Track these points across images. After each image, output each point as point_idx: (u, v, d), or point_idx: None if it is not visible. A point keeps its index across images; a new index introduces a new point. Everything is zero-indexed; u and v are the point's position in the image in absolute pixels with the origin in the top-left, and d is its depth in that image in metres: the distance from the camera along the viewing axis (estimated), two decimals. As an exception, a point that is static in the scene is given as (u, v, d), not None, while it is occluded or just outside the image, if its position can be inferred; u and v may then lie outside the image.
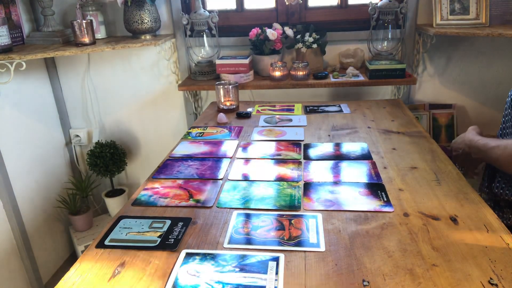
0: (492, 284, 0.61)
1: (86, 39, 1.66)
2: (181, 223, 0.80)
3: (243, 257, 0.70)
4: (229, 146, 1.18)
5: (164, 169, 1.05)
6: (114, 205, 2.12)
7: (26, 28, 1.83)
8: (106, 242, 0.76)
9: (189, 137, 1.26)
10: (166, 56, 1.93)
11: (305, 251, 0.71)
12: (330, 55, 1.91)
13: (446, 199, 0.84)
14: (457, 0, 1.68)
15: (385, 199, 0.86)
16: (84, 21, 1.64)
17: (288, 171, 1.01)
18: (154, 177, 1.01)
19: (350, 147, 1.14)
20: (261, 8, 1.94)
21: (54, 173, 2.06)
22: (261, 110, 1.49)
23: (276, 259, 0.69)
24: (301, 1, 1.83)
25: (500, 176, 1.04)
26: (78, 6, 1.81)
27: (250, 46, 1.85)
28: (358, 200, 0.87)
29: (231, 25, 1.94)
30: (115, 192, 2.15)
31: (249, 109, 1.48)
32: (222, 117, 1.39)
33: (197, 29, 1.81)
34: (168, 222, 0.81)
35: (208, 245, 0.74)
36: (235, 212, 0.84)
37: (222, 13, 1.90)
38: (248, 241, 0.74)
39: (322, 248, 0.71)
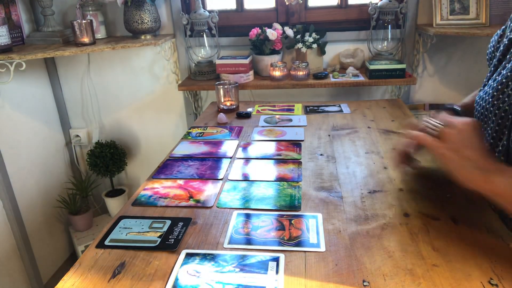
0: (492, 285, 0.61)
1: (86, 39, 1.66)
2: (181, 223, 0.80)
3: (243, 257, 0.70)
4: (229, 146, 1.18)
5: (164, 169, 1.05)
6: (114, 205, 2.12)
7: (26, 28, 1.82)
8: (106, 242, 0.76)
9: (189, 137, 1.26)
10: (166, 56, 1.93)
11: (305, 251, 0.71)
12: (330, 55, 1.91)
13: (446, 199, 0.84)
14: (457, 0, 1.67)
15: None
16: (84, 21, 1.64)
17: (288, 171, 1.01)
18: (154, 177, 1.01)
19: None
20: (261, 8, 1.94)
21: (54, 173, 2.06)
22: (261, 110, 1.49)
23: (276, 259, 0.69)
24: (301, 1, 1.83)
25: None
26: (78, 6, 1.81)
27: (250, 46, 1.85)
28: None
29: (231, 25, 1.94)
30: (115, 192, 2.15)
31: (249, 109, 1.48)
32: (222, 117, 1.39)
33: (197, 29, 1.81)
34: (168, 222, 0.81)
35: (208, 245, 0.74)
36: (235, 212, 0.84)
37: (222, 13, 1.90)
38: (248, 241, 0.74)
39: (322, 248, 0.71)
